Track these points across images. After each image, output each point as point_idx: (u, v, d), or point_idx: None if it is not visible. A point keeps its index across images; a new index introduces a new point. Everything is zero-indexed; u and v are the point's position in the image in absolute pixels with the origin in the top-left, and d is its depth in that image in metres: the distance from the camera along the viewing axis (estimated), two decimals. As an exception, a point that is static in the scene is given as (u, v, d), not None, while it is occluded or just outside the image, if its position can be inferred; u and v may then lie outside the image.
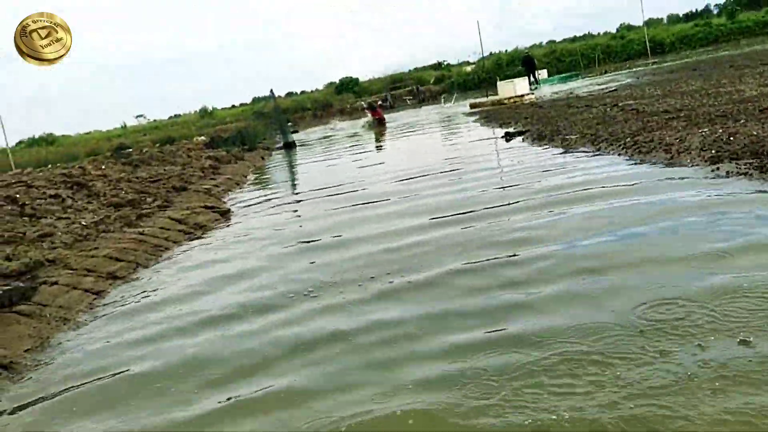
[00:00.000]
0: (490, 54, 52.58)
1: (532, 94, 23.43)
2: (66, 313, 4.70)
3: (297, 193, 10.58)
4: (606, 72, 35.30)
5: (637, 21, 53.75)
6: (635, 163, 6.89)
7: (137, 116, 59.00)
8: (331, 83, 57.17)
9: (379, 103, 34.84)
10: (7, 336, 4.10)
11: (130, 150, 25.34)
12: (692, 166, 6.10)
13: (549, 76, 38.97)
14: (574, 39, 59.46)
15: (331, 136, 25.89)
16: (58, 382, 3.63)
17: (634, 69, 32.24)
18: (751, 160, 5.61)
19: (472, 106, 23.87)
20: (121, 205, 8.86)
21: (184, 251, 6.73)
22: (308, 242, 6.31)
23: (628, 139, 7.91)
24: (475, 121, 17.96)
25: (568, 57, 48.18)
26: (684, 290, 3.36)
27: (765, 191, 4.87)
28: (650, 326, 3.03)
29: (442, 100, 38.95)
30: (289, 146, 21.50)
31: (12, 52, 5.70)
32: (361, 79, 56.13)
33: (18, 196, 8.51)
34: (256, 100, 56.98)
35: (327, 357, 3.42)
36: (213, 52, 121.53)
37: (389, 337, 3.55)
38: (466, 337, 3.34)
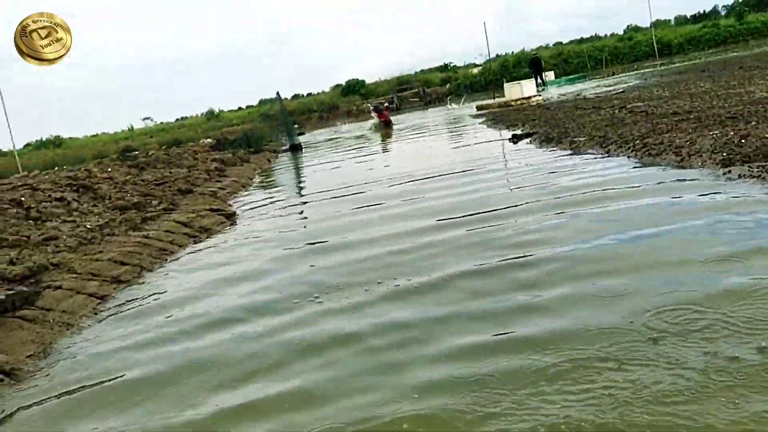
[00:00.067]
0: (497, 56, 52.67)
1: (539, 95, 23.37)
2: (69, 318, 4.65)
3: (303, 196, 10.53)
4: (613, 73, 35.21)
5: (645, 22, 53.72)
6: (645, 166, 6.81)
7: (144, 118, 59.25)
8: (338, 85, 57.29)
9: (386, 104, 34.80)
10: (10, 342, 4.05)
11: (137, 152, 25.37)
12: (703, 168, 6.02)
13: (556, 77, 38.94)
14: (581, 40, 59.39)
15: (337, 138, 25.86)
16: (59, 388, 3.58)
17: (642, 70, 32.15)
18: (763, 163, 5.52)
19: (478, 108, 23.81)
20: (126, 208, 8.82)
21: (190, 254, 6.68)
22: (314, 244, 6.27)
23: (638, 141, 7.83)
24: (481, 123, 17.90)
25: (575, 58, 48.12)
26: (697, 293, 3.30)
27: (778, 194, 4.79)
28: (663, 331, 2.96)
29: (449, 102, 38.91)
30: (296, 148, 21.48)
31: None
32: (368, 81, 56.24)
33: (23, 199, 8.49)
34: (262, 102, 57.13)
35: (333, 360, 3.39)
36: (220, 54, 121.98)
37: (396, 340, 3.50)
38: (474, 341, 3.29)
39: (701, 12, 61.12)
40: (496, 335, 3.31)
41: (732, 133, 6.79)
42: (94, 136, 55.19)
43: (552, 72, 40.26)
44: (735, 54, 29.62)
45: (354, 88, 54.63)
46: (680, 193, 5.39)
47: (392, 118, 27.15)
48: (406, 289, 4.33)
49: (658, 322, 3.06)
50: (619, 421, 2.36)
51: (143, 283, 5.71)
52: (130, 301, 5.17)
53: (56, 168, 23.54)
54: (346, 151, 18.17)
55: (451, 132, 18.34)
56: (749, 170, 5.47)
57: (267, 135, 25.79)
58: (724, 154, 6.07)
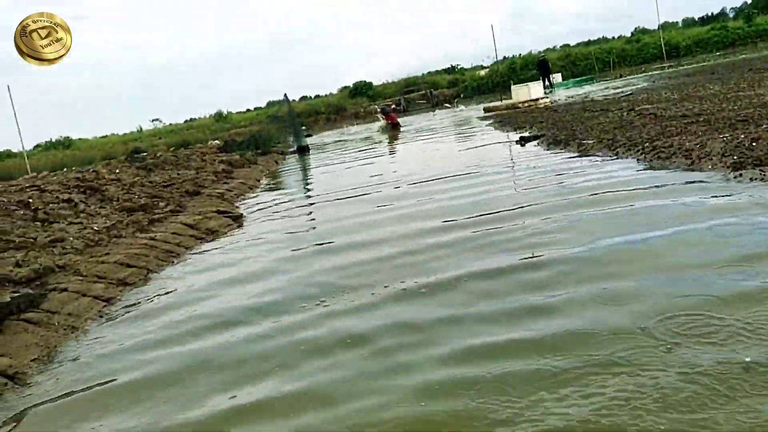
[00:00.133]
0: (504, 58, 52.53)
1: (547, 97, 23.29)
2: (75, 321, 4.63)
3: (310, 197, 10.51)
4: (621, 76, 35.05)
5: (652, 25, 53.47)
6: (655, 169, 6.74)
7: (153, 120, 59.44)
8: (345, 87, 57.31)
9: (393, 106, 34.84)
10: (15, 345, 4.03)
11: (145, 154, 25.41)
12: (714, 172, 5.95)
13: (563, 79, 38.85)
14: (589, 43, 59.25)
15: (344, 140, 25.86)
16: (63, 391, 3.56)
17: (650, 72, 31.99)
18: (775, 166, 5.46)
19: (486, 110, 23.73)
20: (133, 210, 8.82)
21: (196, 257, 6.67)
22: (321, 245, 6.27)
23: (647, 144, 7.76)
24: (489, 126, 17.84)
25: (583, 60, 47.98)
26: (708, 297, 3.26)
27: (791, 198, 4.73)
28: (675, 335, 2.92)
29: (455, 104, 38.88)
30: (303, 150, 21.48)
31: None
32: (375, 83, 56.23)
33: (31, 200, 8.50)
34: (270, 104, 57.23)
35: (340, 361, 3.38)
36: (229, 56, 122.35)
37: (404, 342, 3.48)
38: (483, 342, 3.27)
39: (709, 14, 60.99)
40: (505, 337, 3.28)
41: (742, 136, 6.72)
42: (103, 137, 55.46)
43: (559, 74, 40.19)
44: (743, 56, 29.43)
45: (361, 90, 54.63)
46: (691, 196, 5.33)
47: (399, 120, 27.14)
48: (413, 290, 4.31)
49: (670, 325, 3.02)
50: (632, 427, 2.32)
51: (149, 285, 5.70)
52: (136, 303, 5.15)
53: (65, 169, 23.64)
54: (353, 152, 18.15)
55: (459, 134, 18.28)
56: (761, 173, 5.40)
57: (275, 137, 25.82)
58: (735, 157, 6.01)
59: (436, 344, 3.35)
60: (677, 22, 62.04)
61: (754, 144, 6.27)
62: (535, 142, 11.26)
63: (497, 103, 24.69)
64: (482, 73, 53.46)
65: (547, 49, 57.09)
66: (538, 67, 35.30)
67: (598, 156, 8.34)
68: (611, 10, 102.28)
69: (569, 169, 7.83)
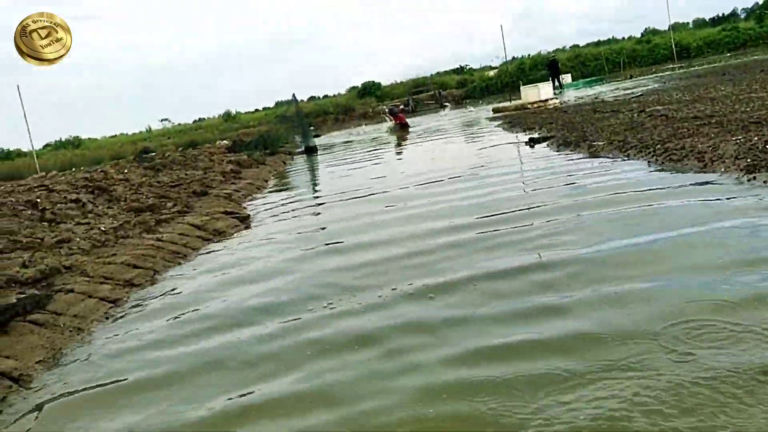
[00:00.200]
0: (513, 58, 52.35)
1: (557, 98, 23.18)
2: (80, 323, 4.60)
3: (318, 197, 10.48)
4: (631, 76, 34.86)
5: (663, 25, 53.15)
6: (666, 171, 6.66)
7: (162, 120, 59.64)
8: (354, 87, 57.26)
9: (401, 107, 34.80)
10: (20, 347, 4.00)
11: (153, 154, 25.48)
12: (727, 174, 5.86)
13: (573, 80, 38.69)
14: (599, 43, 58.95)
15: (353, 140, 25.85)
16: (67, 394, 3.54)
17: (660, 73, 31.81)
18: (790, 169, 5.37)
19: (495, 110, 23.64)
20: (141, 210, 8.81)
21: (203, 257, 6.64)
22: (329, 245, 6.25)
23: (658, 146, 7.68)
24: (498, 126, 17.76)
25: (593, 61, 47.74)
26: (721, 300, 3.21)
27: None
28: (689, 337, 2.88)
29: (465, 105, 38.82)
30: (311, 150, 21.47)
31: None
32: (384, 83, 56.16)
33: (39, 200, 8.50)
34: (279, 104, 57.31)
35: (349, 362, 3.36)
36: (238, 56, 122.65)
37: (413, 342, 3.46)
38: (493, 344, 3.24)
39: (720, 15, 60.56)
40: (515, 339, 3.25)
41: (756, 138, 6.63)
42: (112, 136, 55.70)
43: (569, 75, 40.03)
44: (755, 57, 29.22)
45: (370, 90, 54.56)
46: (704, 199, 5.26)
47: (408, 120, 27.10)
48: (423, 290, 4.28)
49: (682, 328, 2.98)
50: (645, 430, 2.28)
51: (155, 286, 5.67)
52: (143, 305, 5.12)
53: (74, 169, 23.72)
54: (361, 153, 18.13)
55: (468, 135, 18.22)
56: (775, 177, 5.32)
57: (283, 137, 25.85)
58: (749, 159, 5.92)
59: (445, 345, 3.33)
60: (688, 23, 61.73)
61: (767, 146, 6.18)
62: (544, 144, 11.18)
63: (506, 104, 24.60)
64: (491, 73, 53.30)
65: (557, 50, 56.84)
66: (548, 67, 35.18)
67: (608, 158, 8.27)
68: (621, 11, 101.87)
69: (580, 171, 7.76)
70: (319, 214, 8.61)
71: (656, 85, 21.47)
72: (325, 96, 63.74)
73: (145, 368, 3.76)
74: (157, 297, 5.29)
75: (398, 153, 17.26)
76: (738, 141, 6.68)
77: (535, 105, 21.51)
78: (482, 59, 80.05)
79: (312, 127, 30.39)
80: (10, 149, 44.60)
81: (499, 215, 6.12)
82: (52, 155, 40.33)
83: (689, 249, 4.11)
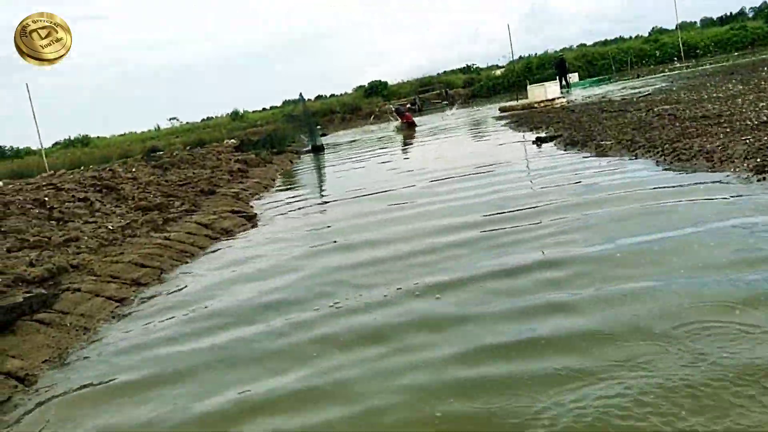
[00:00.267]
0: (520, 57, 52.22)
1: (564, 97, 23.10)
2: (87, 322, 4.61)
3: (324, 196, 10.49)
4: (639, 76, 34.70)
5: (670, 25, 52.93)
6: (675, 171, 6.62)
7: (170, 119, 59.75)
8: (360, 86, 57.18)
9: (408, 106, 34.79)
10: (26, 346, 4.01)
11: (161, 152, 25.56)
12: (736, 174, 5.82)
13: (580, 79, 38.57)
14: (606, 42, 58.76)
15: (359, 139, 25.86)
16: (73, 393, 3.54)
17: (668, 73, 31.66)
18: (800, 169, 5.33)
19: (501, 109, 23.59)
20: (148, 209, 8.83)
21: (210, 256, 6.65)
22: (336, 243, 6.25)
23: (667, 145, 7.63)
24: (504, 126, 17.71)
25: (600, 60, 47.58)
26: (732, 298, 3.19)
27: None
28: (698, 336, 2.86)
29: (471, 105, 38.74)
30: (318, 149, 21.49)
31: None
32: (390, 82, 56.11)
33: (47, 199, 8.53)
34: (286, 103, 57.33)
35: (355, 359, 3.35)
36: (246, 55, 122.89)
37: (419, 340, 3.45)
38: (500, 342, 3.24)
39: (728, 14, 60.21)
40: (523, 337, 3.24)
41: (766, 138, 6.58)
42: (121, 135, 55.80)
43: (576, 74, 39.90)
44: (763, 56, 29.02)
45: (376, 90, 54.51)
46: (712, 198, 5.23)
47: (414, 119, 27.09)
48: (430, 288, 4.27)
49: (692, 328, 2.95)
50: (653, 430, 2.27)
51: (162, 285, 5.68)
52: (150, 304, 5.12)
53: (82, 167, 23.81)
54: (368, 151, 18.13)
55: (475, 134, 18.19)
56: (785, 177, 5.28)
57: (290, 136, 25.87)
58: (758, 160, 5.87)
59: (451, 343, 3.32)
60: (695, 22, 61.44)
61: (777, 146, 6.13)
62: (551, 143, 11.14)
63: (513, 103, 24.55)
64: (498, 72, 53.20)
65: (564, 49, 56.70)
66: (555, 66, 35.05)
67: (616, 157, 8.23)
68: (628, 10, 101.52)
69: (587, 170, 7.73)
70: (325, 212, 8.62)
71: (664, 85, 21.35)
72: (332, 95, 63.79)
73: (152, 366, 3.77)
74: (164, 295, 5.30)
75: (405, 152, 17.24)
76: (747, 141, 6.63)
77: (542, 104, 21.43)
78: (489, 58, 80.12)
79: (319, 126, 30.39)
80: (20, 147, 44.89)
81: (505, 214, 6.10)
82: (61, 154, 40.53)
83: (698, 248, 4.08)
